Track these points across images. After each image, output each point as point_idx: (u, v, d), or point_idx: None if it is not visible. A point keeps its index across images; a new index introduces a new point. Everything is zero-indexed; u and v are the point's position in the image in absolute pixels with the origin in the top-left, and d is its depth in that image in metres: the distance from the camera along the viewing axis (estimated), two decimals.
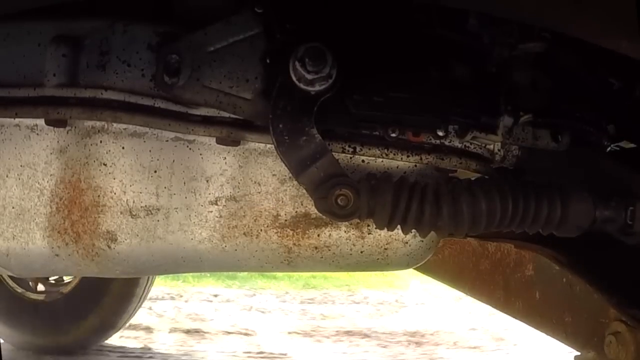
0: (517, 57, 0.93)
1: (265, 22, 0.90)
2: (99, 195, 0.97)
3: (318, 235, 0.99)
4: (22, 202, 1.00)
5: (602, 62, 0.98)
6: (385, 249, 1.00)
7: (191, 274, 4.60)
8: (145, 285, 2.96)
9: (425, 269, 1.81)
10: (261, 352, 3.44)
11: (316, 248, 0.99)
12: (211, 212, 0.97)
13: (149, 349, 3.34)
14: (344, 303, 4.66)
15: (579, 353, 1.26)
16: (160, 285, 4.64)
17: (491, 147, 1.01)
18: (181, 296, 4.55)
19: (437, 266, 1.76)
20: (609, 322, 1.15)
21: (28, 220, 1.00)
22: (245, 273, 4.60)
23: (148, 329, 3.70)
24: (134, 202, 0.97)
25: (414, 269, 1.16)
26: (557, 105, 0.96)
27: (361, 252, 1.00)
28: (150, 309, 4.11)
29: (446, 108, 0.93)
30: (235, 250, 0.99)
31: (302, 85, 0.86)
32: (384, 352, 3.57)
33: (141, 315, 3.89)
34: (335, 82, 0.87)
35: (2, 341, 2.86)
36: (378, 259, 1.02)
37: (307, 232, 0.98)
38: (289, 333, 3.85)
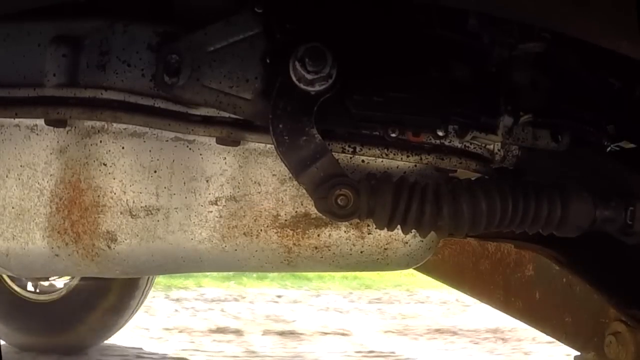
0: (517, 57, 0.93)
1: (265, 22, 0.90)
2: (99, 196, 0.97)
3: (318, 235, 0.99)
4: (22, 202, 1.00)
5: (602, 62, 0.98)
6: (385, 249, 1.00)
7: (242, 274, 4.63)
8: (145, 286, 2.96)
9: (426, 269, 1.80)
10: (371, 352, 3.48)
11: (316, 248, 0.99)
12: (211, 212, 0.97)
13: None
14: (410, 303, 4.71)
15: (579, 353, 1.26)
16: (213, 287, 4.69)
17: (491, 147, 1.01)
18: (244, 297, 4.56)
19: (437, 266, 1.76)
20: (609, 322, 1.15)
21: (28, 220, 1.00)
22: (298, 273, 4.64)
23: (238, 332, 3.71)
24: (134, 202, 0.97)
25: (414, 268, 1.16)
26: (557, 105, 0.96)
27: (361, 252, 1.00)
28: (222, 310, 4.13)
29: (446, 108, 0.93)
30: (235, 250, 0.99)
31: (302, 85, 0.86)
32: (479, 348, 3.64)
33: (217, 317, 3.96)
34: (335, 82, 0.86)
35: (2, 342, 2.86)
36: (378, 259, 1.02)
37: (307, 232, 0.98)
38: (385, 332, 3.90)
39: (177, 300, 4.36)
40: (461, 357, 3.46)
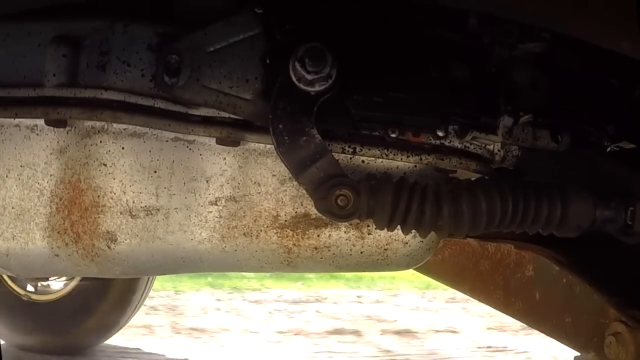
0: (517, 57, 0.92)
1: (265, 22, 0.90)
2: (98, 196, 0.97)
3: (318, 236, 0.99)
4: (22, 203, 1.00)
5: (602, 62, 0.98)
6: (385, 249, 1.00)
7: (306, 275, 4.73)
8: (146, 285, 2.96)
9: (426, 269, 1.80)
10: (489, 347, 3.57)
11: (316, 248, 0.99)
12: (211, 212, 0.97)
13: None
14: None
15: (578, 354, 1.26)
16: (282, 288, 4.75)
17: (491, 147, 1.01)
18: (325, 298, 4.60)
19: (437, 267, 1.76)
20: (609, 323, 1.14)
21: (28, 220, 1.00)
22: (352, 274, 4.68)
23: (356, 333, 3.76)
24: (133, 202, 0.97)
25: (414, 269, 1.16)
26: (557, 105, 0.96)
27: (361, 252, 1.00)
28: (318, 312, 4.19)
29: (446, 108, 0.93)
30: (235, 250, 0.99)
31: (302, 86, 0.86)
32: None
33: (317, 318, 4.02)
34: (335, 83, 0.86)
35: (2, 342, 2.86)
36: (378, 259, 1.02)
37: (307, 232, 0.98)
38: (487, 329, 3.97)
39: (257, 302, 4.39)
40: (563, 350, 3.52)
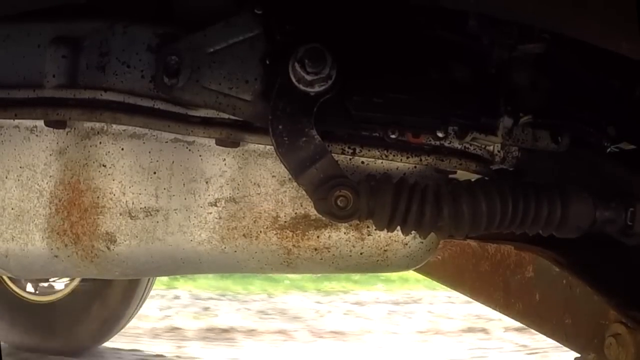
0: (517, 58, 0.92)
1: (265, 23, 0.90)
2: (98, 197, 0.97)
3: (317, 237, 0.99)
4: (21, 204, 1.00)
5: (602, 63, 0.98)
6: (385, 250, 1.00)
7: (388, 276, 4.77)
8: (145, 287, 2.96)
9: (425, 270, 1.80)
10: None
11: (316, 249, 0.99)
12: (210, 213, 0.97)
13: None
14: None
15: (579, 355, 1.26)
16: (369, 290, 4.81)
17: (491, 148, 1.01)
18: (420, 299, 4.69)
19: (437, 268, 1.76)
20: (609, 324, 1.14)
21: (27, 221, 1.00)
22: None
23: (485, 331, 3.87)
24: (133, 203, 0.97)
25: (414, 270, 1.16)
26: (557, 106, 0.96)
27: (361, 253, 1.00)
28: (430, 312, 4.28)
29: (446, 109, 0.93)
30: (235, 251, 0.99)
31: (301, 87, 0.86)
32: None
33: (433, 318, 4.12)
34: (335, 83, 0.86)
35: (2, 342, 2.86)
36: (378, 260, 1.02)
37: (307, 233, 0.98)
38: None
39: (358, 303, 4.44)
40: None
